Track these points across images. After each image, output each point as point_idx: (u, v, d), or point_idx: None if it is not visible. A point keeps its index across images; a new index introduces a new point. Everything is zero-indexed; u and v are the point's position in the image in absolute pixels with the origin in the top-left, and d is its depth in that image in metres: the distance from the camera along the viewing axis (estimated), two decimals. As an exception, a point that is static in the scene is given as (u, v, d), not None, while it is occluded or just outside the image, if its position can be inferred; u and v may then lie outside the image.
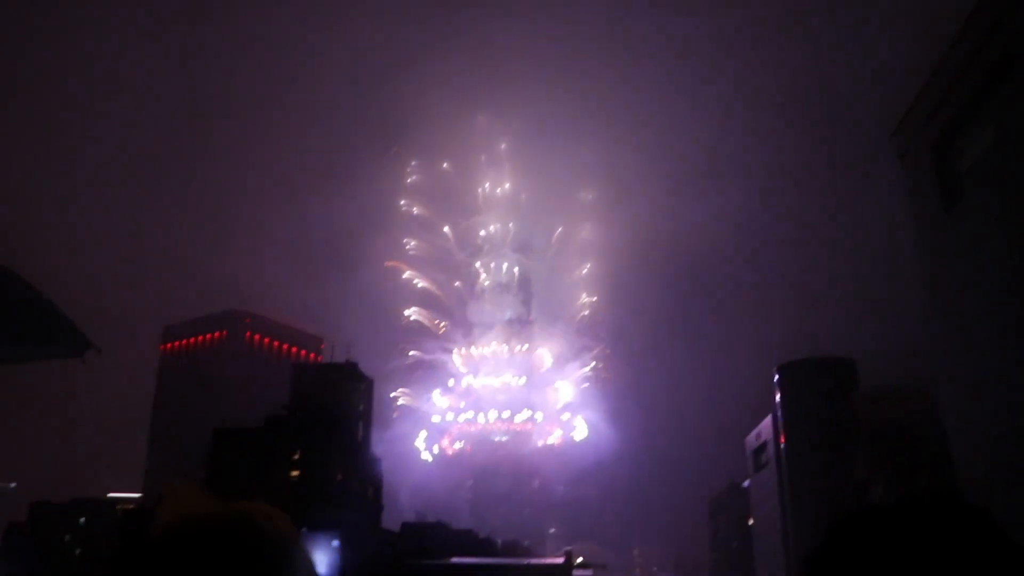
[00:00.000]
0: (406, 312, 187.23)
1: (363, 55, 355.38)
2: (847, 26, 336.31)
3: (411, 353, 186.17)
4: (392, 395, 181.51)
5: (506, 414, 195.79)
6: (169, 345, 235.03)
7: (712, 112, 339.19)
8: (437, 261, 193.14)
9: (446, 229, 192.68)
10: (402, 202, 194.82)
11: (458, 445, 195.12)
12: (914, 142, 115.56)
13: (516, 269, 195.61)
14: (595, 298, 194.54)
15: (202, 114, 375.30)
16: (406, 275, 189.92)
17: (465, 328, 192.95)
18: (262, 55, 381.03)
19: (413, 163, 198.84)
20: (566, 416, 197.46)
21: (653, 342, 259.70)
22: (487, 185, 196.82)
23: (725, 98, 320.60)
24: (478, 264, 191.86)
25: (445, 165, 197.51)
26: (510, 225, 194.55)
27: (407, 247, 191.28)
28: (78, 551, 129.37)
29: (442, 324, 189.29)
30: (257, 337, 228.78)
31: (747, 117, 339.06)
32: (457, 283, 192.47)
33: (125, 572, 2.14)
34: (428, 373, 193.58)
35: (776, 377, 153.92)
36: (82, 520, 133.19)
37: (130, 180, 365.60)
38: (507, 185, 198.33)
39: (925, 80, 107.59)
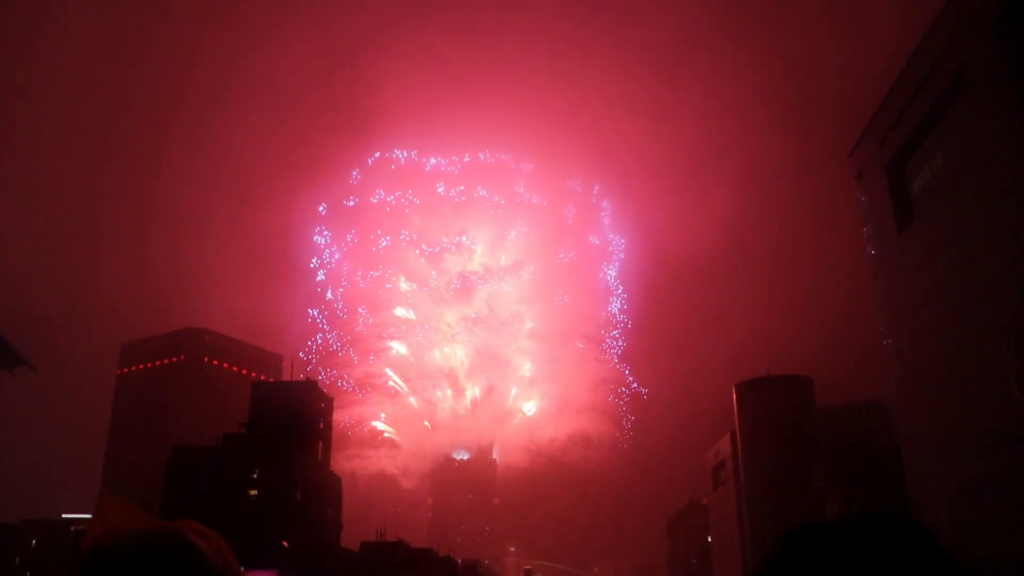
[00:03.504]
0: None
1: (326, 36, 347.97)
2: (809, 41, 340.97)
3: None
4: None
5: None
6: (126, 362, 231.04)
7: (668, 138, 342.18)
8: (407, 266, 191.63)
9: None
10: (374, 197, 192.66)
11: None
12: (870, 163, 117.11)
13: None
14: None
15: (156, 115, 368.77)
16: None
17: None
18: (217, 50, 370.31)
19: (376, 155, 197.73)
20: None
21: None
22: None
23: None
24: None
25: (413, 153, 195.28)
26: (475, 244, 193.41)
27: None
28: (28, 574, 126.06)
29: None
30: (215, 355, 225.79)
31: (712, 139, 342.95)
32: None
33: None
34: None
35: (734, 395, 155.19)
36: (34, 542, 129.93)
37: (80, 185, 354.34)
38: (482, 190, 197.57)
39: (879, 102, 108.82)
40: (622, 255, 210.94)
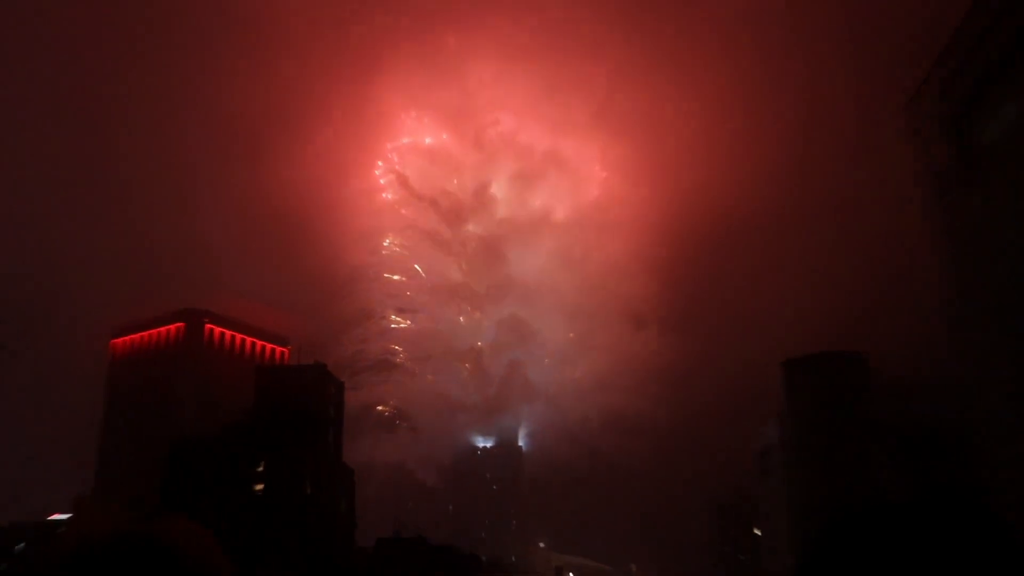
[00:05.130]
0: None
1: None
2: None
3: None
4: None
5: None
6: (119, 348, 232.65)
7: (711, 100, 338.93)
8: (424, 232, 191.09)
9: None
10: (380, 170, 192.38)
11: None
12: (928, 117, 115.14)
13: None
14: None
15: (150, 63, 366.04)
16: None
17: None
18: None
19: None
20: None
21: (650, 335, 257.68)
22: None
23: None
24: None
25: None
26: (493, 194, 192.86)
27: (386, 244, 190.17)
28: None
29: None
30: (217, 337, 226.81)
31: (746, 105, 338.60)
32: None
33: None
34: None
35: (783, 374, 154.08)
36: (20, 546, 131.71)
37: (64, 147, 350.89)
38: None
39: (939, 51, 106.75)
40: (658, 221, 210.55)
